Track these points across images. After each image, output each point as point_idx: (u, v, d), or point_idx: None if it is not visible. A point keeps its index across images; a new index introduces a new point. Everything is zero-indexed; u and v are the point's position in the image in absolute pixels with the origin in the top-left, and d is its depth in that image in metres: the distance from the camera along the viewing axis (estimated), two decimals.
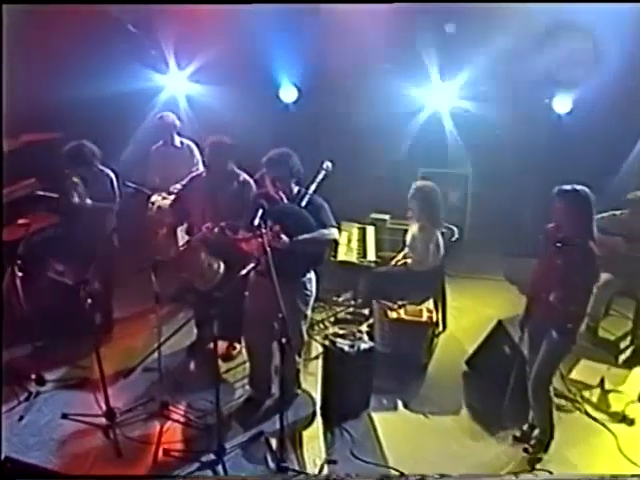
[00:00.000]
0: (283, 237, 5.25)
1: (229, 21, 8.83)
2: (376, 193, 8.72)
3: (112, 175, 7.12)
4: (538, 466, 5.38)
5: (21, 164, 7.99)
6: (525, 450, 5.53)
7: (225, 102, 9.23)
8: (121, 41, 8.80)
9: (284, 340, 4.82)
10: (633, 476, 5.21)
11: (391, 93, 9.30)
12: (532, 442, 5.57)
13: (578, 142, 8.88)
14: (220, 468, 5.23)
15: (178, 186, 7.45)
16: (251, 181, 6.42)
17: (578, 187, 5.12)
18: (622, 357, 7.18)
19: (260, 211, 5.02)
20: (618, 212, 7.21)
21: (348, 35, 8.75)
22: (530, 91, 9.19)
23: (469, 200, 9.69)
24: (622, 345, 7.37)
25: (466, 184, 9.67)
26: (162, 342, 5.79)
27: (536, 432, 5.57)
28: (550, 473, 5.32)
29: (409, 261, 7.16)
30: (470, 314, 7.87)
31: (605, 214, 7.09)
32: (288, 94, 9.50)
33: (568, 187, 5.13)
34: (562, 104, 9.17)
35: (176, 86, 9.63)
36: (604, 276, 7.12)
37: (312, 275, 5.80)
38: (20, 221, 7.21)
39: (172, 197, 7.27)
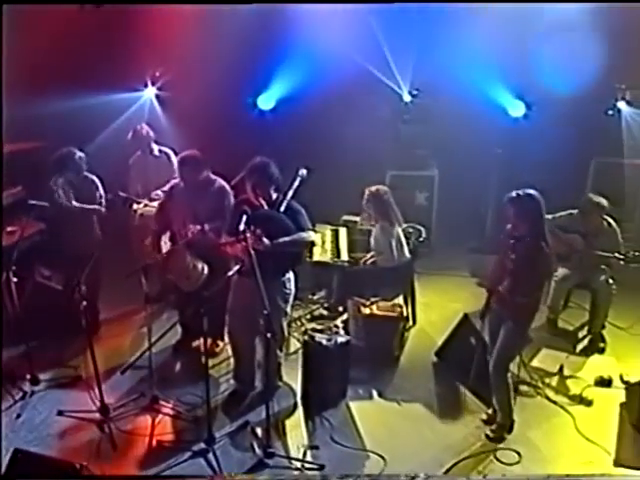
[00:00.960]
0: (265, 240, 5.63)
1: (205, 27, 9.18)
2: (347, 196, 8.90)
3: (97, 181, 7.48)
4: (501, 446, 5.76)
5: (5, 173, 8.26)
6: (487, 435, 5.91)
7: (203, 109, 9.41)
8: (97, 50, 8.98)
9: (269, 335, 5.21)
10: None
11: (362, 100, 9.77)
12: (494, 426, 5.94)
13: (536, 144, 9.32)
14: (211, 456, 5.55)
15: (159, 192, 7.84)
16: (227, 186, 6.78)
17: (528, 192, 5.56)
18: (580, 346, 7.58)
19: (244, 217, 5.41)
20: (575, 211, 7.54)
21: (324, 43, 9.12)
22: (491, 95, 9.69)
23: (435, 201, 10.04)
24: (580, 335, 7.77)
25: (432, 186, 10.02)
26: (154, 342, 6.11)
27: (499, 415, 5.96)
28: (518, 454, 5.66)
29: (377, 260, 7.54)
30: (438, 308, 8.22)
31: (563, 213, 7.55)
32: (266, 101, 9.89)
33: (519, 192, 5.57)
34: (516, 108, 9.68)
35: (153, 94, 9.87)
36: (562, 271, 7.61)
37: (291, 275, 6.18)
38: (9, 228, 7.48)
39: (154, 204, 7.65)
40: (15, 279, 6.45)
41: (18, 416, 6.16)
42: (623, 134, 9.66)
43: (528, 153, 9.42)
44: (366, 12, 9.29)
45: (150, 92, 9.85)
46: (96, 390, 6.08)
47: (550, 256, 5.56)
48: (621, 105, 9.64)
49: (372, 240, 7.61)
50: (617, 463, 5.65)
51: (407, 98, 9.98)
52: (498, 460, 5.63)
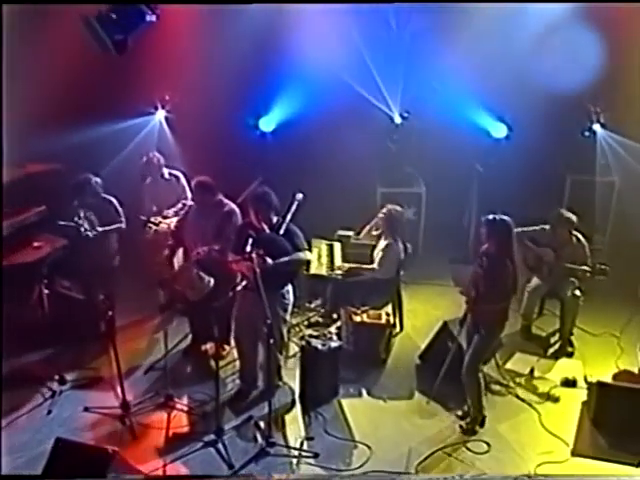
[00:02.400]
0: (268, 260, 6.43)
1: (209, 52, 9.81)
2: (342, 212, 9.66)
3: (115, 202, 8.23)
4: (473, 438, 6.54)
5: (26, 192, 8.89)
6: (460, 427, 6.67)
7: (208, 130, 10.12)
8: (109, 76, 9.29)
9: (271, 341, 6.03)
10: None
11: (355, 122, 10.40)
12: (467, 420, 6.70)
13: (516, 163, 9.91)
14: (220, 445, 6.32)
15: (171, 212, 8.62)
16: (236, 209, 7.51)
17: (501, 217, 6.31)
18: (550, 350, 8.24)
19: (250, 239, 6.24)
20: (547, 226, 8.17)
21: (320, 69, 9.84)
22: (474, 117, 10.44)
23: (423, 216, 10.66)
24: (552, 340, 8.43)
25: (420, 202, 10.65)
26: (172, 347, 6.92)
27: (472, 411, 6.71)
28: (487, 445, 6.44)
29: (376, 268, 8.15)
30: (422, 315, 8.86)
31: (537, 227, 8.23)
32: (267, 124, 10.58)
33: (494, 216, 6.32)
34: (498, 129, 10.41)
35: (162, 117, 10.54)
36: (534, 281, 8.30)
37: (290, 287, 6.96)
38: (35, 244, 8.16)
39: (167, 221, 8.44)
40: (47, 291, 7.22)
41: (49, 412, 6.91)
42: (597, 154, 10.40)
43: (509, 171, 9.93)
44: (357, 40, 10.06)
45: (160, 115, 10.50)
46: (117, 389, 6.82)
47: (514, 272, 6.31)
48: (596, 127, 10.31)
49: (376, 253, 8.26)
50: (574, 453, 6.41)
51: (398, 120, 10.69)
52: (469, 450, 6.39)
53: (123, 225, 8.24)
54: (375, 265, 8.18)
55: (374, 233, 8.45)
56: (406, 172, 10.90)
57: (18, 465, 6.07)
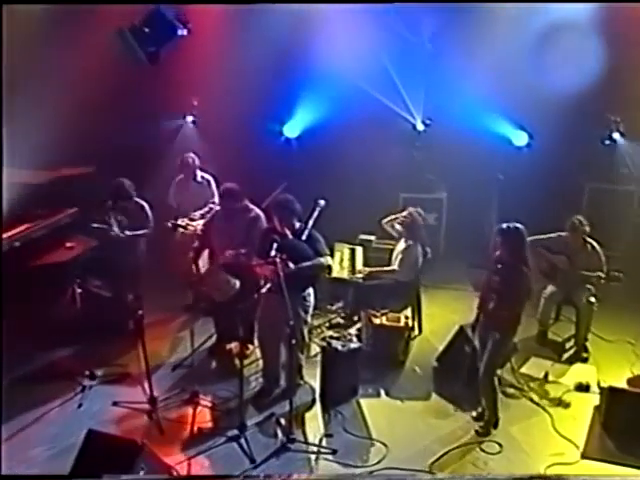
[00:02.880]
0: (290, 265, 6.70)
1: (235, 58, 10.19)
2: (364, 217, 9.85)
3: (146, 206, 8.56)
4: (486, 439, 6.73)
5: (60, 194, 9.23)
6: (476, 431, 6.85)
7: (236, 136, 10.56)
8: (143, 81, 9.64)
9: (293, 341, 6.32)
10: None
11: (378, 129, 10.72)
12: (482, 422, 6.89)
13: (536, 170, 10.19)
14: (242, 440, 6.57)
15: (198, 214, 8.92)
16: (261, 215, 7.80)
17: (515, 225, 6.53)
18: (565, 355, 8.40)
19: (274, 245, 6.52)
20: (564, 234, 8.32)
21: (345, 78, 10.23)
22: (495, 125, 10.67)
23: (444, 221, 10.97)
24: (567, 345, 8.59)
25: (441, 207, 10.95)
26: (198, 346, 7.22)
27: (487, 413, 6.92)
28: (499, 445, 6.64)
29: (396, 269, 8.42)
30: (440, 319, 9.03)
31: (552, 235, 8.38)
32: (292, 130, 10.93)
33: (508, 225, 6.54)
34: (520, 138, 10.66)
35: (189, 124, 10.94)
36: (550, 288, 8.47)
37: (311, 290, 7.24)
38: (68, 244, 8.41)
39: (194, 223, 8.74)
40: (79, 290, 7.54)
41: (79, 405, 7.20)
42: (616, 163, 10.63)
43: (529, 178, 10.23)
44: (380, 48, 10.39)
45: (189, 120, 10.90)
46: (145, 384, 7.08)
47: (529, 278, 6.51)
48: (616, 136, 10.53)
49: (395, 255, 8.54)
50: (584, 456, 6.58)
51: (420, 127, 10.98)
52: (482, 450, 6.60)
53: (151, 230, 8.56)
54: (395, 267, 8.42)
55: (396, 226, 8.62)
56: (428, 178, 11.15)
57: (51, 455, 6.37)
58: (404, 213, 8.51)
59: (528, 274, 6.49)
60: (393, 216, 8.74)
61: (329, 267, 7.55)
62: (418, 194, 10.83)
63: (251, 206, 7.88)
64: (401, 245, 8.50)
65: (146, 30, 6.21)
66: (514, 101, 10.25)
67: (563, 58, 10.00)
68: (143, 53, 6.36)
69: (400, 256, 8.44)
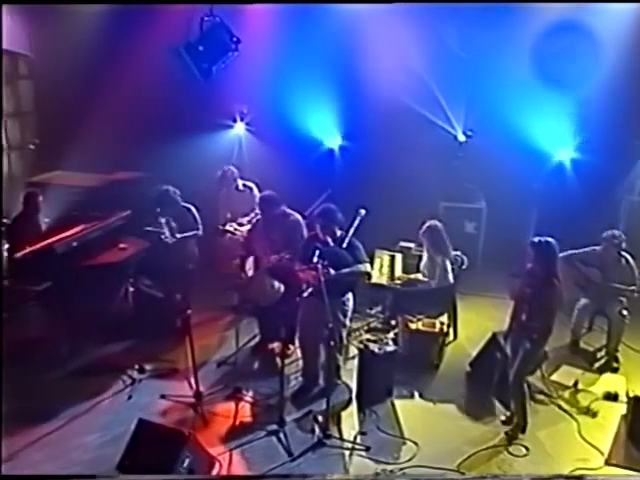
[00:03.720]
0: (331, 271, 7.10)
1: (281, 70, 10.69)
2: (405, 225, 9.92)
3: (193, 209, 9.02)
4: (514, 442, 7.00)
5: (114, 197, 9.83)
6: (506, 433, 7.11)
7: (279, 144, 10.99)
8: (191, 93, 9.98)
9: (331, 343, 6.72)
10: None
11: (420, 140, 11.07)
12: (511, 426, 7.15)
13: (573, 182, 10.55)
14: (281, 435, 6.97)
15: (245, 220, 9.34)
16: (300, 220, 8.19)
17: (546, 239, 6.83)
18: (596, 365, 8.59)
19: (317, 251, 6.91)
20: (598, 247, 8.50)
21: (389, 91, 10.59)
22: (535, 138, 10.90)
23: (483, 230, 11.24)
24: (598, 355, 8.77)
25: (480, 216, 11.24)
26: (242, 346, 7.73)
27: (515, 418, 7.18)
28: (526, 449, 6.91)
29: (422, 279, 8.72)
30: (476, 326, 9.25)
31: (587, 249, 8.56)
32: (333, 140, 11.31)
33: (540, 239, 6.85)
34: (559, 150, 10.90)
35: (238, 132, 11.40)
36: (583, 300, 8.69)
37: (350, 295, 7.62)
38: (121, 245, 8.86)
39: (242, 229, 9.16)
40: (132, 289, 8.00)
41: (129, 397, 7.67)
42: None
43: (567, 190, 10.55)
44: (422, 60, 10.76)
45: (237, 129, 11.37)
46: (191, 379, 7.51)
47: (560, 292, 6.79)
48: None
49: (421, 265, 8.86)
50: (607, 462, 6.81)
51: (462, 138, 11.29)
52: (510, 453, 6.88)
53: (200, 232, 9.03)
54: (419, 276, 8.76)
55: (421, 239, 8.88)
56: (468, 188, 11.43)
57: (105, 442, 6.84)
58: (423, 227, 8.73)
59: (559, 287, 6.76)
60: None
61: (368, 274, 7.85)
62: (458, 203, 11.18)
63: (289, 211, 8.24)
64: (424, 257, 8.80)
65: (200, 48, 6.62)
66: (554, 113, 10.52)
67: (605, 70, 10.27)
68: (197, 69, 6.77)
69: (424, 269, 8.76)
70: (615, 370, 8.52)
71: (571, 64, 10.51)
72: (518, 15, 10.31)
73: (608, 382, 8.24)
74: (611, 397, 7.88)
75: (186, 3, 9.03)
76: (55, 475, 6.38)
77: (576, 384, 8.10)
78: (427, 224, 8.72)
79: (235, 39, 6.70)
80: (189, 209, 9.03)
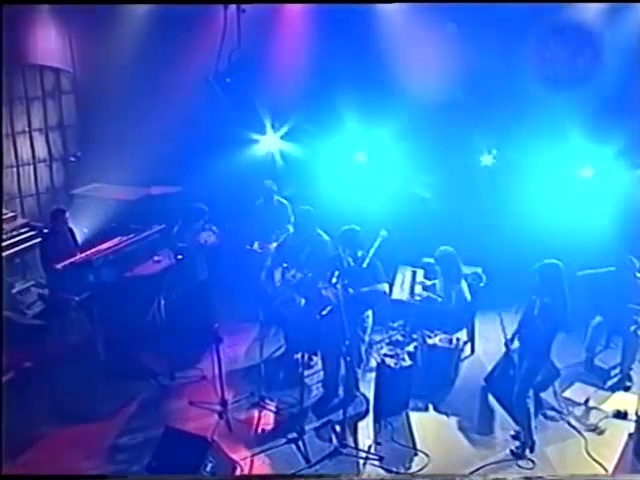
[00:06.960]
0: (350, 290, 7.52)
1: (312, 83, 11.14)
2: (428, 240, 10.21)
3: (215, 229, 9.45)
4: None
5: (149, 211, 10.33)
6: (511, 450, 7.40)
7: (310, 159, 11.43)
8: (221, 108, 10.10)
9: (348, 358, 7.13)
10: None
11: (444, 161, 11.42)
12: (518, 443, 7.42)
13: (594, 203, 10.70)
14: (300, 443, 7.38)
15: (273, 235, 9.70)
16: (329, 241, 8.52)
17: (551, 262, 7.13)
18: (610, 383, 8.79)
19: (337, 272, 7.30)
20: (613, 268, 8.75)
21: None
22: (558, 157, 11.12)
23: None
24: (612, 373, 8.96)
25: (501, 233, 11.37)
26: (268, 356, 8.24)
27: (522, 434, 7.45)
28: (532, 462, 7.24)
29: (440, 297, 8.98)
30: (495, 341, 9.08)
31: (602, 270, 8.85)
32: (361, 156, 11.66)
33: (546, 262, 7.15)
34: (587, 170, 11.09)
35: (272, 145, 11.73)
36: (597, 318, 8.92)
37: (370, 312, 8.02)
38: (156, 258, 9.38)
39: (270, 245, 9.53)
40: (164, 300, 8.44)
41: (159, 403, 8.17)
42: None
43: (587, 211, 10.73)
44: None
45: (270, 146, 11.73)
46: (218, 388, 7.85)
47: (564, 313, 7.04)
48: None
49: (437, 288, 9.10)
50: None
51: (488, 160, 11.58)
52: (518, 466, 7.19)
53: (228, 248, 9.48)
54: (442, 297, 8.99)
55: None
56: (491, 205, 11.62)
57: (135, 444, 7.35)
58: (436, 253, 8.95)
59: (563, 309, 7.03)
60: None
61: (390, 289, 8.17)
62: (483, 218, 11.44)
63: (320, 231, 8.63)
64: (439, 280, 9.04)
65: (227, 80, 7.06)
66: (566, 126, 10.68)
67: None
68: (225, 96, 7.22)
69: (440, 291, 8.98)
70: (628, 389, 8.71)
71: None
72: None
73: (619, 401, 8.42)
74: (620, 415, 8.08)
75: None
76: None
77: (587, 401, 8.33)
78: (439, 250, 8.94)
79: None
80: (216, 226, 9.51)
